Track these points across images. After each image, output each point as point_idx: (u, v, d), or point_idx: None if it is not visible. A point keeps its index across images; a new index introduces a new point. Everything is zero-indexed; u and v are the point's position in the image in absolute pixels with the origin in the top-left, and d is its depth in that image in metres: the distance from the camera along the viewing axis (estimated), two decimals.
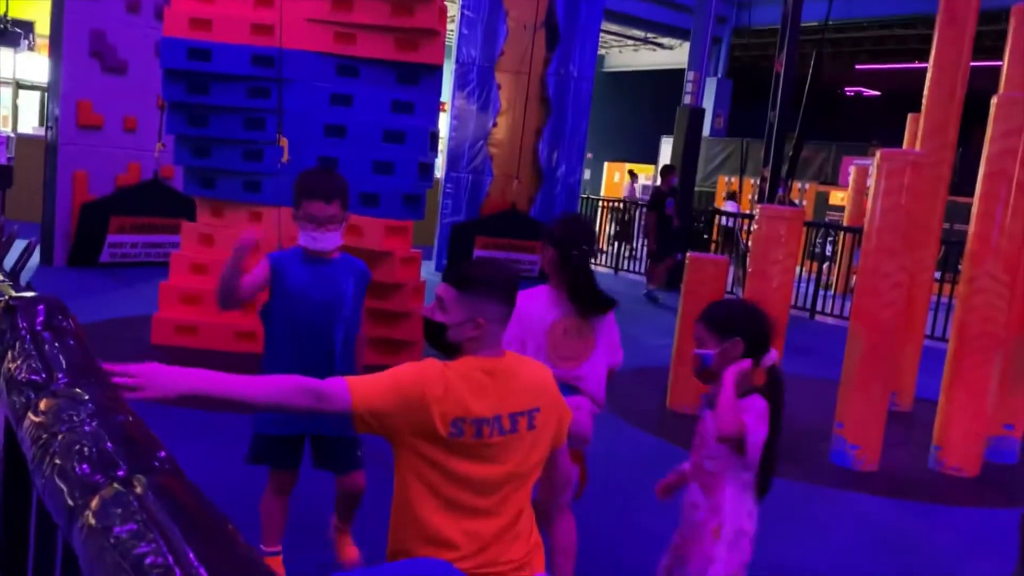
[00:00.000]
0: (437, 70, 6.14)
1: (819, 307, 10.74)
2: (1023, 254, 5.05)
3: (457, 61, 10.88)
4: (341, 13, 5.84)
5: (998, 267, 4.97)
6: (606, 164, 25.06)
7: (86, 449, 1.01)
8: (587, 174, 23.17)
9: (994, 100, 5.09)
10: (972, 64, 6.11)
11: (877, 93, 24.33)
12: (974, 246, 5.07)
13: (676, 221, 10.61)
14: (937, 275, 6.86)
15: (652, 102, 25.10)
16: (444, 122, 10.92)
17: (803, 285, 10.77)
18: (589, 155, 19.52)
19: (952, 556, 4.05)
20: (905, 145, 7.16)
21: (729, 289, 9.79)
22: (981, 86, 6.76)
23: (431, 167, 6.24)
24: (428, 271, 9.89)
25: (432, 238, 11.37)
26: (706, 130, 17.47)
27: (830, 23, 9.78)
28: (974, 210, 5.09)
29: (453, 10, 11.31)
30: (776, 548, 3.89)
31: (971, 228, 5.11)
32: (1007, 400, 5.33)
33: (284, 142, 6.08)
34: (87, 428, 1.07)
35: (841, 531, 4.19)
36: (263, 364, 2.96)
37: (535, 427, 1.96)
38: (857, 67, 21.94)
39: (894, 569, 3.82)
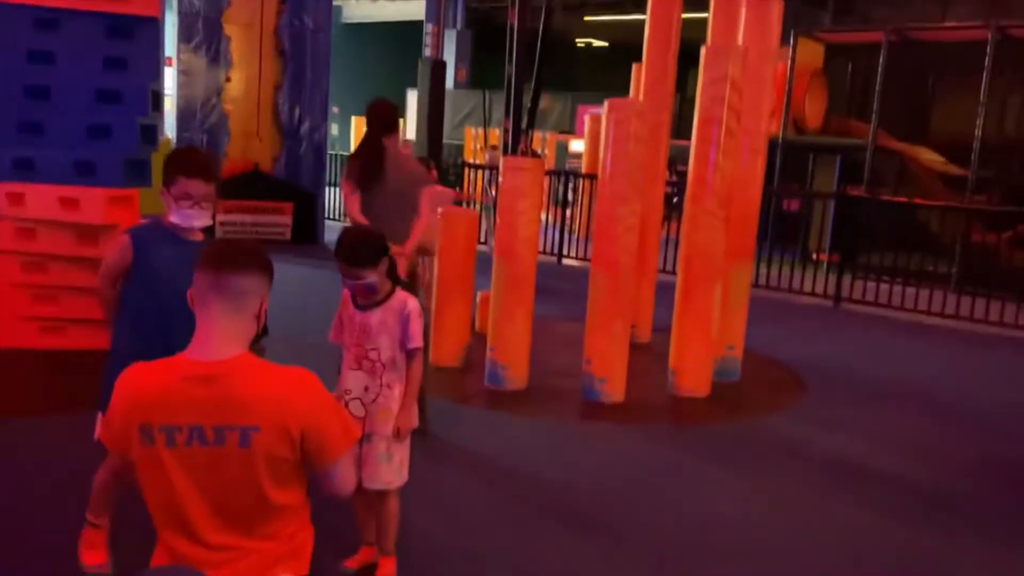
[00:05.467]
0: (153, 22, 5.63)
1: (565, 251, 11.29)
2: (733, 191, 5.58)
3: (179, 12, 10.07)
4: None
5: (714, 204, 5.45)
6: (353, 119, 24.51)
7: None
8: (335, 129, 22.54)
9: (703, 49, 5.52)
10: (686, 16, 6.59)
11: (606, 44, 25.69)
12: (693, 187, 5.52)
13: None
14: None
15: (395, 54, 24.78)
16: (171, 79, 10.12)
17: (550, 231, 11.26)
18: (335, 109, 18.98)
19: (690, 469, 4.47)
20: (632, 92, 7.63)
21: (483, 240, 10.04)
22: (697, 37, 7.32)
23: (155, 128, 5.75)
24: None
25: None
26: (450, 82, 17.57)
27: None
28: (691, 153, 5.53)
29: None
30: (533, 484, 4.08)
31: (690, 170, 5.55)
32: (728, 323, 5.90)
33: None
34: None
35: (594, 460, 4.48)
36: (113, 356, 2.83)
37: (250, 446, 1.74)
38: (586, 19, 22.96)
39: (640, 488, 4.14)
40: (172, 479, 1.76)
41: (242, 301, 1.81)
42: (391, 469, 2.99)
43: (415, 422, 3.04)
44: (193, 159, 2.92)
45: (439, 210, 6.19)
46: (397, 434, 2.97)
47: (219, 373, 1.76)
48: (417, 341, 2.97)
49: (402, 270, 3.81)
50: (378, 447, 2.94)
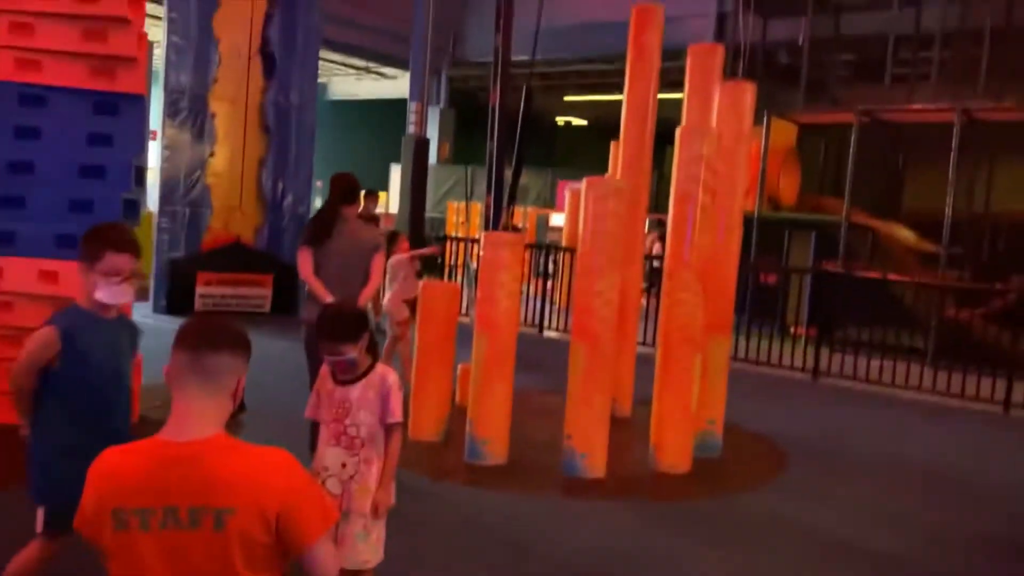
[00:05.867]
0: (139, 98, 5.72)
1: (547, 322, 11.33)
2: (710, 267, 5.66)
3: (166, 88, 10.24)
4: (21, 37, 5.25)
5: (691, 280, 5.52)
6: None
7: None
8: (319, 203, 22.71)
9: (678, 131, 5.67)
10: (662, 96, 6.77)
11: (585, 122, 26.29)
12: (671, 263, 5.60)
13: None
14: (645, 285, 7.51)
15: (379, 130, 25.26)
16: (155, 152, 10.22)
17: (531, 302, 11.33)
18: (318, 183, 19.18)
19: (673, 545, 4.41)
20: (610, 169, 7.80)
21: (464, 311, 10.06)
22: (674, 116, 7.52)
23: (136, 203, 5.79)
24: (145, 313, 9.14)
25: (146, 277, 10.55)
26: (433, 158, 17.86)
27: (538, 60, 10.40)
28: (668, 231, 5.62)
29: (158, 34, 10.62)
30: (514, 560, 4.02)
31: (667, 247, 5.64)
32: (707, 396, 5.91)
33: None
34: None
35: (575, 538, 4.42)
36: (41, 447, 2.77)
37: (225, 528, 1.69)
38: (566, 98, 23.56)
39: (622, 565, 4.08)
40: (145, 564, 1.71)
41: (220, 381, 1.79)
42: (368, 547, 2.96)
43: (393, 499, 3.01)
44: (120, 234, 2.85)
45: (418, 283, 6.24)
46: (375, 511, 2.94)
47: (194, 454, 1.73)
48: (397, 416, 2.97)
49: None
50: (355, 525, 2.91)
